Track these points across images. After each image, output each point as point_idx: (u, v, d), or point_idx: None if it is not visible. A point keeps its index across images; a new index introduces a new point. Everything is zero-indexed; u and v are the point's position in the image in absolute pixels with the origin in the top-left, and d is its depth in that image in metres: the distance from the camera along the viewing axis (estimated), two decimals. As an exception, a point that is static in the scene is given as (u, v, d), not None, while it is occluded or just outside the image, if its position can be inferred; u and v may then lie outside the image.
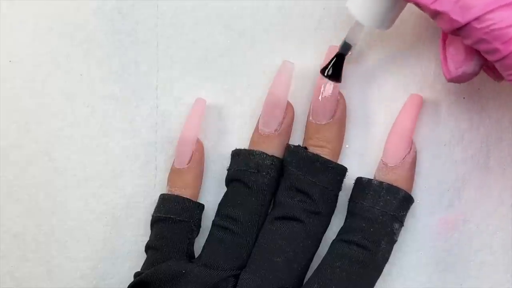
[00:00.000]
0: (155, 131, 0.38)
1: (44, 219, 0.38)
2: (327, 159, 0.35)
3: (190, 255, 0.36)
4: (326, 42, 0.37)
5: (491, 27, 0.27)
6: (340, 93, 0.35)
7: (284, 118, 0.36)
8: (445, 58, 0.32)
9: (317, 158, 0.35)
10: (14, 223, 0.38)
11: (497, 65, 0.28)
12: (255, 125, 0.37)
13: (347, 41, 0.34)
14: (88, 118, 0.38)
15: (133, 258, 0.39)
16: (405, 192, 0.34)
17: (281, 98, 0.35)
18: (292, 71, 0.35)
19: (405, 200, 0.34)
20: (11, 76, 0.38)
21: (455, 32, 0.29)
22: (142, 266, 0.36)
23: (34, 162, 0.38)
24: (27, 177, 0.38)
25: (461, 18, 0.27)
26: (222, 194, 0.36)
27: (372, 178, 0.35)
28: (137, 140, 0.38)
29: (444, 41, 0.32)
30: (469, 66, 0.30)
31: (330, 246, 0.35)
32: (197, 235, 0.37)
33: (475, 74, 0.31)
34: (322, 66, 0.34)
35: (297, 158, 0.35)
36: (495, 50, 0.27)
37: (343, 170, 0.35)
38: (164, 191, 0.37)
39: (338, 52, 0.34)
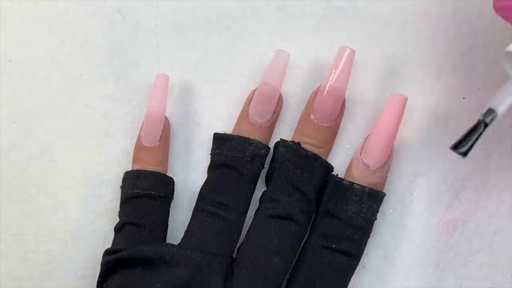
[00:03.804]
0: (155, 131, 0.38)
1: (44, 219, 0.38)
2: (325, 161, 0.35)
3: (166, 231, 0.36)
4: (326, 42, 0.37)
5: None
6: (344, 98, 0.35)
7: (276, 109, 0.36)
8: None
9: (316, 158, 0.35)
10: (14, 223, 0.38)
11: None
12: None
13: (492, 107, 0.26)
14: (88, 118, 0.38)
15: (133, 258, 0.39)
16: (383, 194, 0.35)
17: (278, 88, 0.35)
18: (288, 60, 0.35)
19: (382, 200, 0.35)
20: (11, 76, 0.38)
21: None
22: (116, 242, 0.35)
23: (34, 162, 0.38)
24: (27, 177, 0.38)
25: None
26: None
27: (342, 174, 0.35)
28: (137, 140, 0.38)
29: None
30: None
31: (313, 252, 0.34)
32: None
33: None
34: (457, 140, 0.28)
35: (297, 156, 0.34)
36: None
37: (333, 175, 0.35)
38: None
39: (480, 120, 0.27)
